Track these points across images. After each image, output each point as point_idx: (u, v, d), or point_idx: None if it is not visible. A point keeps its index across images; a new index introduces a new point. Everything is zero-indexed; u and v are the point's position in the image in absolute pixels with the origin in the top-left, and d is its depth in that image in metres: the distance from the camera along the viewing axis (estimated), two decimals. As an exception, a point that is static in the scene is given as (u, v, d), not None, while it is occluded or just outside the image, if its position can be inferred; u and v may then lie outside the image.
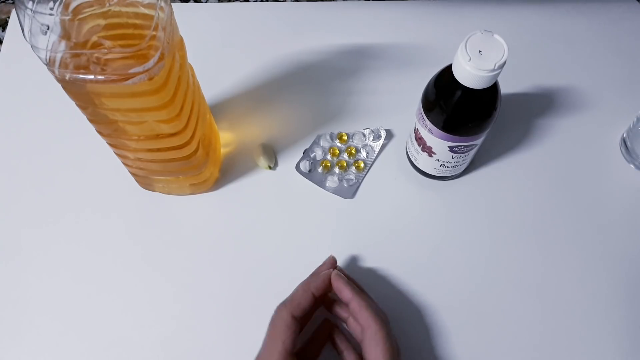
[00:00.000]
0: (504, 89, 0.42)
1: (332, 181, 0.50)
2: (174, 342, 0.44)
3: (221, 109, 0.54)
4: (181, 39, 0.39)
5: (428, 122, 0.43)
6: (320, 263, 0.44)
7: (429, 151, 0.46)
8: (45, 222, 0.48)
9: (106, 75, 0.32)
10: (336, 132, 0.52)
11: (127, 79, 0.32)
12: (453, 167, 0.47)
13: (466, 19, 0.60)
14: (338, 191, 0.50)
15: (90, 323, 0.44)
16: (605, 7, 0.62)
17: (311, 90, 0.55)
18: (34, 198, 0.49)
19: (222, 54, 0.57)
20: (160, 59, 0.33)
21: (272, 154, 0.51)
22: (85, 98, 0.34)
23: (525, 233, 0.48)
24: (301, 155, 0.51)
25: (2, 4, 0.67)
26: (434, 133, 0.43)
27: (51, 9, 0.32)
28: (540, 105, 0.55)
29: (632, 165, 0.52)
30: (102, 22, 0.34)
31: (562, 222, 0.49)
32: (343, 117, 0.54)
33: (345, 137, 0.52)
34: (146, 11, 0.34)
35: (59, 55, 0.32)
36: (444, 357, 0.43)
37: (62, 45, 0.33)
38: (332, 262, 0.44)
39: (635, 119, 0.51)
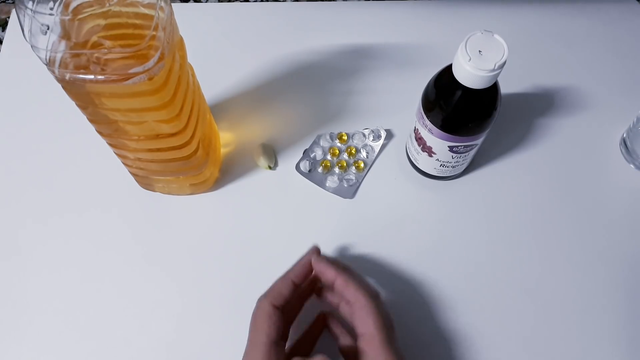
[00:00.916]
0: (504, 89, 0.42)
1: (332, 181, 0.50)
2: (174, 342, 0.44)
3: (221, 109, 0.54)
4: (181, 39, 0.39)
5: (428, 122, 0.43)
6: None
7: (429, 151, 0.46)
8: (45, 222, 0.48)
9: (106, 75, 0.32)
10: (336, 132, 0.52)
11: (127, 79, 0.32)
12: (453, 167, 0.47)
13: (466, 19, 0.60)
14: (338, 191, 0.50)
15: (90, 323, 0.44)
16: (605, 7, 0.62)
17: (311, 90, 0.55)
18: (33, 198, 0.49)
19: (222, 54, 0.57)
20: (160, 59, 0.33)
21: (272, 154, 0.51)
22: (85, 98, 0.34)
23: (525, 233, 0.48)
24: (301, 155, 0.51)
25: (2, 4, 0.67)
26: (434, 133, 0.43)
27: (51, 9, 0.32)
28: (540, 105, 0.55)
29: (632, 165, 0.52)
30: (102, 22, 0.34)
31: (562, 222, 0.49)
32: (343, 117, 0.54)
33: (345, 137, 0.52)
34: (146, 11, 0.34)
35: (59, 55, 0.32)
36: (444, 358, 0.43)
37: (62, 45, 0.33)
38: (315, 251, 0.42)
39: (635, 119, 0.51)
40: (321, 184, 0.50)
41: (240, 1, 0.65)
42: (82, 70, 0.32)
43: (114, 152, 0.43)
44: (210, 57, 0.56)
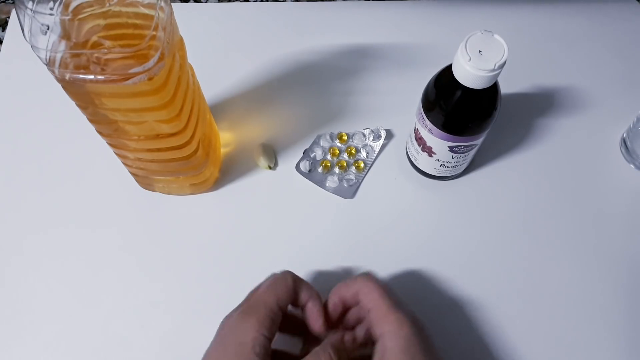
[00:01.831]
0: (504, 89, 0.42)
1: (332, 181, 0.50)
2: (175, 342, 0.44)
3: (221, 109, 0.54)
4: (181, 39, 0.39)
5: (428, 122, 0.43)
6: (320, 263, 0.44)
7: (429, 151, 0.46)
8: (45, 222, 0.48)
9: (106, 75, 0.32)
10: (336, 132, 0.52)
11: (127, 79, 0.32)
12: (453, 167, 0.47)
13: (466, 19, 0.60)
14: (338, 191, 0.50)
15: (90, 323, 0.44)
16: (605, 7, 0.62)
17: (311, 90, 0.55)
18: (33, 198, 0.49)
19: (222, 54, 0.57)
20: (160, 59, 0.33)
21: (272, 154, 0.51)
22: (85, 98, 0.34)
23: (525, 233, 0.48)
24: (301, 155, 0.51)
25: (2, 4, 0.67)
26: (434, 133, 0.43)
27: (51, 9, 0.32)
28: (540, 105, 0.55)
29: (632, 165, 0.52)
30: (102, 22, 0.34)
31: (562, 222, 0.49)
32: (343, 117, 0.54)
33: (345, 137, 0.52)
34: (146, 11, 0.34)
35: (59, 55, 0.32)
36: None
37: (62, 45, 0.33)
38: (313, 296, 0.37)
39: (635, 119, 0.51)
40: (321, 184, 0.50)
41: (240, 1, 0.65)
42: (82, 70, 0.32)
43: (114, 152, 0.43)
44: (210, 57, 0.56)
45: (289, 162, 0.51)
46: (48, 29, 0.32)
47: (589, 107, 0.55)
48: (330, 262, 0.46)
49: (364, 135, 0.52)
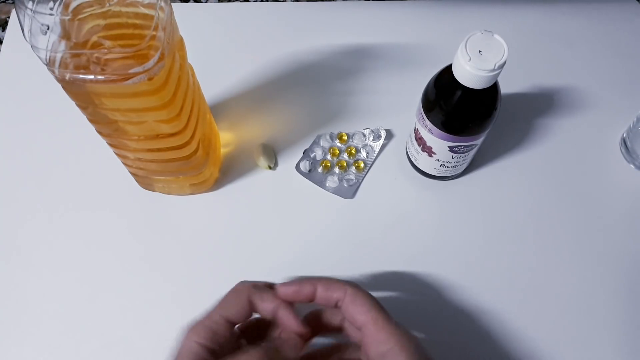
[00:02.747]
0: (504, 89, 0.42)
1: (332, 181, 0.50)
2: (174, 342, 0.43)
3: (221, 109, 0.54)
4: (181, 39, 0.39)
5: (428, 122, 0.43)
6: (320, 263, 0.44)
7: (429, 151, 0.46)
8: (44, 222, 0.48)
9: (106, 75, 0.32)
10: (336, 132, 0.52)
11: (127, 79, 0.32)
12: (453, 167, 0.47)
13: (466, 19, 0.60)
14: (338, 191, 0.50)
15: (89, 323, 0.44)
16: (605, 7, 0.62)
17: (311, 90, 0.55)
18: (33, 198, 0.49)
19: (222, 54, 0.57)
20: (160, 59, 0.33)
21: (272, 154, 0.51)
22: (85, 98, 0.34)
23: (525, 233, 0.48)
24: (301, 155, 0.51)
25: (2, 4, 0.67)
26: (434, 133, 0.43)
27: (51, 9, 0.32)
28: (540, 105, 0.55)
29: (632, 165, 0.52)
30: (102, 22, 0.34)
31: (562, 222, 0.49)
32: (343, 117, 0.54)
33: (345, 137, 0.52)
34: (146, 11, 0.34)
35: (59, 55, 0.32)
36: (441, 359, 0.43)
37: (62, 45, 0.33)
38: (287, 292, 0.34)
39: (635, 119, 0.51)
40: (321, 184, 0.50)
41: (240, 1, 0.65)
42: (82, 70, 0.32)
43: (114, 152, 0.43)
44: (210, 57, 0.56)
45: (289, 162, 0.51)
46: (48, 29, 0.32)
47: (589, 107, 0.55)
48: (330, 262, 0.46)
49: (364, 135, 0.52)
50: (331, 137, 0.52)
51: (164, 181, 0.47)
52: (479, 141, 0.44)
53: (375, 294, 0.43)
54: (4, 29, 0.66)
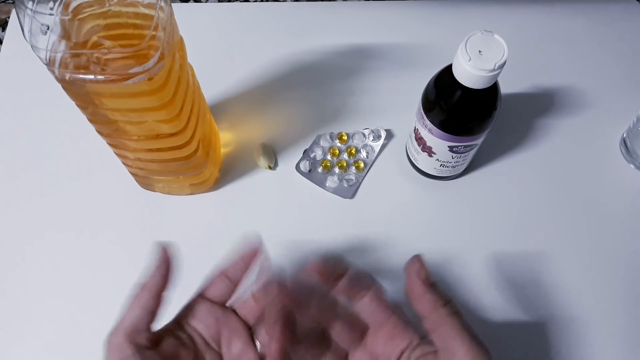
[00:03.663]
0: (504, 89, 0.42)
1: (332, 181, 0.50)
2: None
3: (221, 109, 0.54)
4: (181, 39, 0.39)
5: (428, 122, 0.43)
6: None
7: (429, 151, 0.46)
8: (44, 222, 0.48)
9: (106, 75, 0.32)
10: (336, 132, 0.52)
11: (127, 79, 0.32)
12: (453, 167, 0.47)
13: (466, 19, 0.60)
14: (338, 191, 0.50)
15: (90, 323, 0.44)
16: (605, 7, 0.62)
17: (311, 90, 0.55)
18: (32, 198, 0.49)
19: (222, 54, 0.57)
20: (160, 59, 0.33)
21: (272, 154, 0.51)
22: (85, 98, 0.34)
23: (525, 233, 0.48)
24: (301, 155, 0.51)
25: (2, 4, 0.67)
26: (434, 133, 0.43)
27: (51, 9, 0.32)
28: (540, 105, 0.55)
29: (632, 165, 0.52)
30: (102, 22, 0.34)
31: (562, 222, 0.49)
32: (343, 117, 0.54)
33: (345, 137, 0.52)
34: (146, 11, 0.34)
35: (59, 55, 0.32)
36: None
37: (62, 45, 0.33)
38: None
39: (635, 119, 0.51)
40: (321, 184, 0.50)
41: (240, 1, 0.65)
42: (82, 70, 0.32)
43: (114, 152, 0.43)
44: (210, 57, 0.56)
45: (289, 162, 0.51)
46: (48, 29, 0.32)
47: (589, 107, 0.55)
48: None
49: (364, 135, 0.52)
50: (331, 137, 0.52)
51: (164, 181, 0.47)
52: (479, 141, 0.44)
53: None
54: (4, 29, 0.66)
